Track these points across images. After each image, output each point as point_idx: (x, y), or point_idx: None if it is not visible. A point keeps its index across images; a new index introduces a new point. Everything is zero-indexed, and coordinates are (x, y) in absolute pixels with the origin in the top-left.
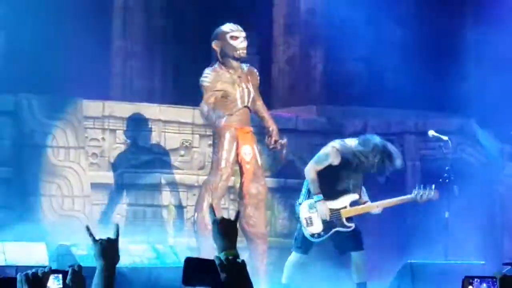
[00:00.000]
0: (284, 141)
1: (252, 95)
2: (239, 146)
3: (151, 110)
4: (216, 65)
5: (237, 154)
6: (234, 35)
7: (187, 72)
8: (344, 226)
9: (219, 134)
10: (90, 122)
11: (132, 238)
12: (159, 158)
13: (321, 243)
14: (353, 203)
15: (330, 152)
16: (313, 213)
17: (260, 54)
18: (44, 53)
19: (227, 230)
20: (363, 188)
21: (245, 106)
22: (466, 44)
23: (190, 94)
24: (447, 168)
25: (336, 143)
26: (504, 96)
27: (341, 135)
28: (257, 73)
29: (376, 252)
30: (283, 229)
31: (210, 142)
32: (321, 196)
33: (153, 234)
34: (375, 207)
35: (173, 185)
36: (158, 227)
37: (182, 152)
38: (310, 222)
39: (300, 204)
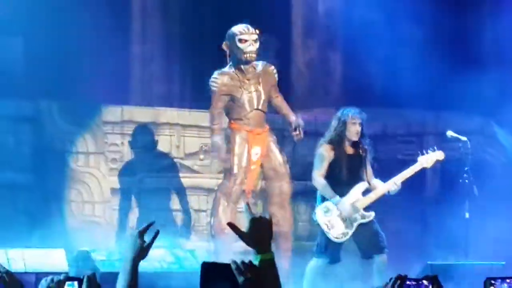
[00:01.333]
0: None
1: (263, 97)
2: (250, 149)
3: (169, 115)
4: (227, 67)
5: (249, 157)
6: (243, 38)
7: (206, 76)
8: (364, 217)
9: (230, 138)
10: (109, 127)
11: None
12: (179, 163)
13: (346, 247)
14: (365, 192)
15: (321, 151)
16: (329, 216)
17: (279, 57)
18: (62, 58)
19: (261, 229)
20: (373, 176)
21: (256, 109)
22: (485, 43)
23: (209, 98)
24: (466, 168)
25: (321, 141)
26: None
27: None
28: (274, 70)
29: (395, 253)
30: (304, 232)
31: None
32: (337, 197)
33: (173, 238)
34: (393, 184)
35: (193, 189)
36: (178, 231)
37: (202, 156)
38: (331, 226)
39: (315, 213)
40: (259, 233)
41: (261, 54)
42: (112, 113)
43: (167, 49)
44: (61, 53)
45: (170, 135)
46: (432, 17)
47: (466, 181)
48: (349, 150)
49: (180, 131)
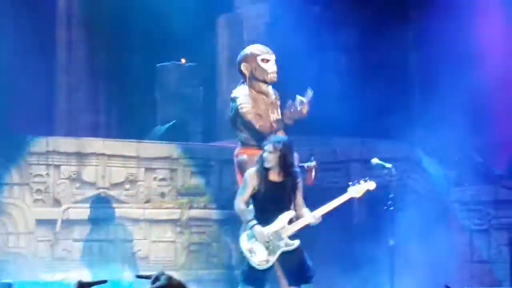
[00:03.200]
0: (313, 163)
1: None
2: None
3: (95, 145)
4: (246, 89)
5: None
6: (265, 57)
7: (132, 106)
8: (288, 245)
9: (248, 164)
10: (35, 158)
11: (78, 273)
12: (104, 193)
13: (273, 275)
14: (291, 221)
15: (246, 178)
16: (253, 243)
17: (205, 86)
18: None
19: None
20: (303, 206)
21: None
22: (411, 72)
23: (135, 128)
24: (391, 195)
25: (249, 170)
26: (448, 121)
27: None
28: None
29: (322, 281)
30: (230, 261)
31: (156, 175)
32: (254, 221)
33: (99, 268)
34: (312, 217)
35: (119, 220)
36: (104, 262)
37: (127, 186)
38: (253, 252)
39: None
40: None
41: (189, 83)
42: (37, 144)
43: (93, 79)
44: None
45: (96, 165)
46: (357, 45)
47: (391, 208)
48: (275, 177)
49: (106, 161)
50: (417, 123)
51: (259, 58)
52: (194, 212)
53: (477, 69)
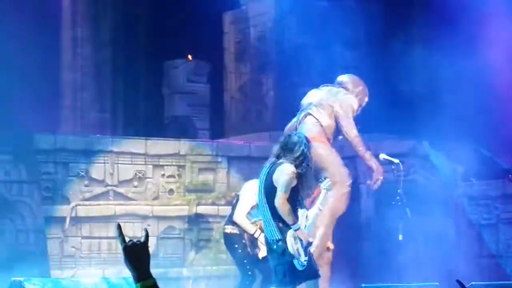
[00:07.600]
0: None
1: None
2: None
3: (103, 142)
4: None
5: None
6: (364, 104)
7: (137, 103)
8: (310, 243)
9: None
10: (43, 156)
11: (86, 271)
12: (113, 190)
13: None
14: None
15: (291, 176)
16: (297, 243)
17: (212, 83)
18: None
19: (137, 256)
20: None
21: None
22: (417, 66)
23: (140, 125)
24: (399, 191)
25: (290, 166)
26: (455, 117)
27: None
28: None
29: (331, 279)
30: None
31: (163, 172)
32: (299, 223)
33: (108, 266)
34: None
35: (128, 216)
36: (113, 259)
37: (136, 183)
38: (298, 254)
39: (279, 240)
40: (134, 260)
41: (196, 80)
42: (45, 141)
43: (98, 76)
44: None
45: (104, 163)
46: (364, 40)
47: (399, 203)
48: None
49: (114, 159)
50: (424, 118)
51: (365, 99)
52: (202, 209)
53: (485, 68)
